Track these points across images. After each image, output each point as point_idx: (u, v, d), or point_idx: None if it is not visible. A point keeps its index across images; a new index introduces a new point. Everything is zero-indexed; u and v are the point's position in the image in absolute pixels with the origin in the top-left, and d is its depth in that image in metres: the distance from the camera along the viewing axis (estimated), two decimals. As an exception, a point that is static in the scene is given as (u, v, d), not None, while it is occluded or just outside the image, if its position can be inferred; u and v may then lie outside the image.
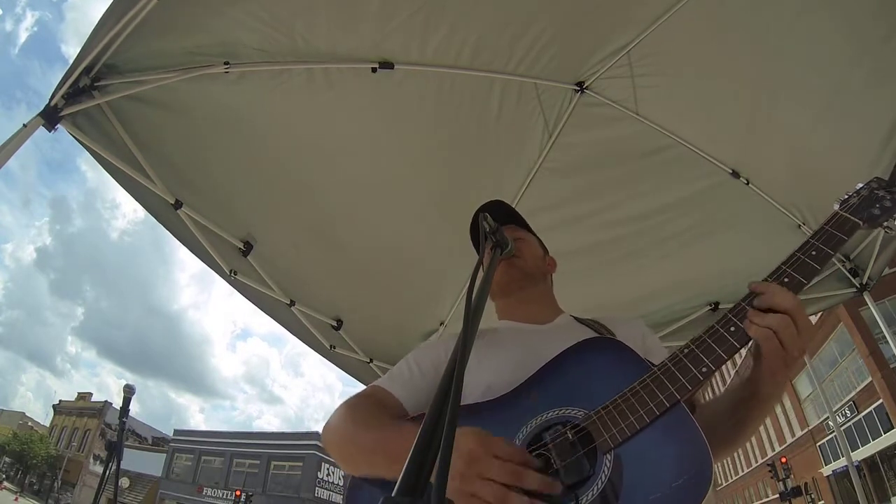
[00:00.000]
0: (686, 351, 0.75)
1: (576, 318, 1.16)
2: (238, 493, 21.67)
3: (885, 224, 0.84)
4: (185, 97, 1.85)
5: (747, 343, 0.75)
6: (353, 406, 0.96)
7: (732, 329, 0.75)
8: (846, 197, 0.87)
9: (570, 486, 0.70)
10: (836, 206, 0.86)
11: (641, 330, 1.11)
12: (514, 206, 1.44)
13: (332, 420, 0.95)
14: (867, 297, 2.66)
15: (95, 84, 1.64)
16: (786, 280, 0.77)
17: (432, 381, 1.02)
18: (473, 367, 0.94)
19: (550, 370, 0.88)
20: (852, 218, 0.82)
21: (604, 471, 0.70)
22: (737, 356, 0.80)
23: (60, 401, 41.37)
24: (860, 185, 0.88)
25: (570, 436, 0.74)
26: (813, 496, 20.01)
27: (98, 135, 1.78)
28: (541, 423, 0.79)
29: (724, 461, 34.05)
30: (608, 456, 0.71)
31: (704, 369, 0.72)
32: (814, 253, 0.79)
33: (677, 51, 2.10)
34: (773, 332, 0.72)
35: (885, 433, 15.22)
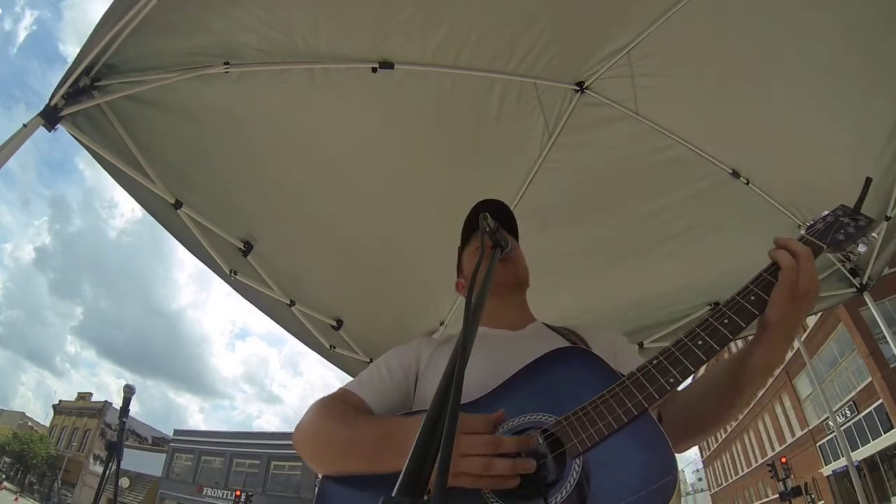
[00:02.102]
0: (655, 362, 0.79)
1: (547, 326, 1.19)
2: (238, 493, 21.70)
3: (848, 249, 0.88)
4: (185, 97, 1.85)
5: (716, 354, 0.78)
6: (325, 406, 0.96)
7: (700, 343, 0.78)
8: (812, 222, 0.92)
9: (539, 490, 0.72)
10: (803, 231, 0.91)
11: (611, 336, 1.14)
12: (514, 207, 1.46)
13: (304, 420, 0.96)
14: (867, 297, 2.66)
15: (95, 84, 1.64)
16: (752, 298, 0.81)
17: (402, 385, 1.03)
18: (445, 371, 0.95)
19: (523, 376, 0.89)
20: (816, 242, 0.86)
21: (572, 475, 0.72)
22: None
23: (60, 401, 41.40)
24: (826, 212, 0.93)
25: (539, 439, 0.76)
26: (813, 496, 20.01)
27: (98, 135, 1.78)
28: (511, 427, 0.81)
29: (724, 461, 34.07)
30: (577, 461, 0.73)
31: (672, 379, 0.76)
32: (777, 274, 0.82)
33: (677, 51, 2.10)
34: (796, 259, 0.78)
35: (885, 433, 15.21)
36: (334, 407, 0.96)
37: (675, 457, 0.70)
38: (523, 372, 0.90)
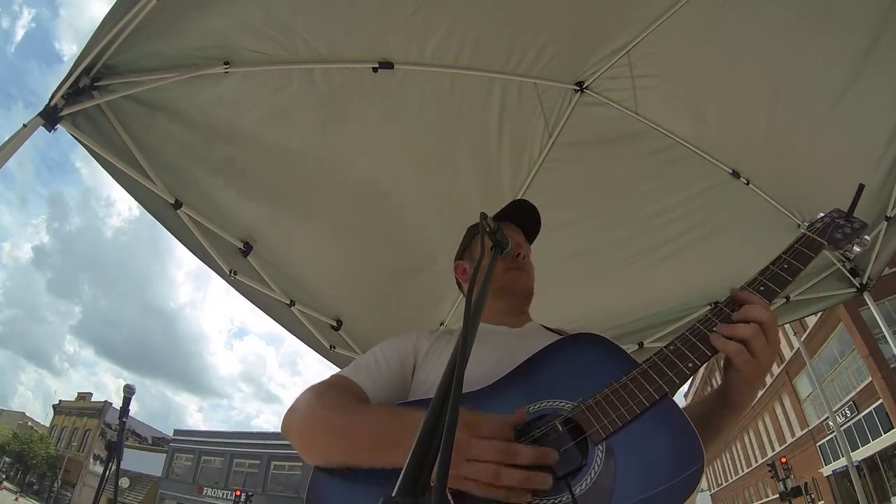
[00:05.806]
0: (672, 347, 0.80)
1: (544, 327, 1.19)
2: (238, 493, 21.68)
3: (844, 249, 0.95)
4: (185, 98, 1.84)
5: None
6: (320, 392, 0.92)
7: (716, 329, 0.80)
8: (812, 222, 0.99)
9: (563, 477, 0.70)
10: (804, 229, 0.96)
11: None
12: None
13: (298, 404, 0.90)
14: (867, 297, 2.65)
15: (95, 84, 1.64)
16: (761, 288, 0.84)
17: (397, 372, 1.01)
18: (445, 370, 0.93)
19: (535, 363, 0.88)
20: (818, 239, 0.92)
21: (596, 461, 0.70)
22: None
23: (60, 401, 41.35)
24: (822, 213, 1.00)
25: (559, 427, 0.74)
26: (813, 496, 19.99)
27: (98, 135, 1.78)
28: (528, 414, 0.79)
29: (724, 461, 34.04)
30: (600, 447, 0.71)
31: (690, 364, 0.77)
32: (785, 266, 0.87)
33: (677, 51, 2.10)
34: (745, 344, 0.77)
35: (885, 433, 15.20)
36: (330, 393, 0.91)
37: (700, 440, 0.68)
38: (535, 359, 0.88)
